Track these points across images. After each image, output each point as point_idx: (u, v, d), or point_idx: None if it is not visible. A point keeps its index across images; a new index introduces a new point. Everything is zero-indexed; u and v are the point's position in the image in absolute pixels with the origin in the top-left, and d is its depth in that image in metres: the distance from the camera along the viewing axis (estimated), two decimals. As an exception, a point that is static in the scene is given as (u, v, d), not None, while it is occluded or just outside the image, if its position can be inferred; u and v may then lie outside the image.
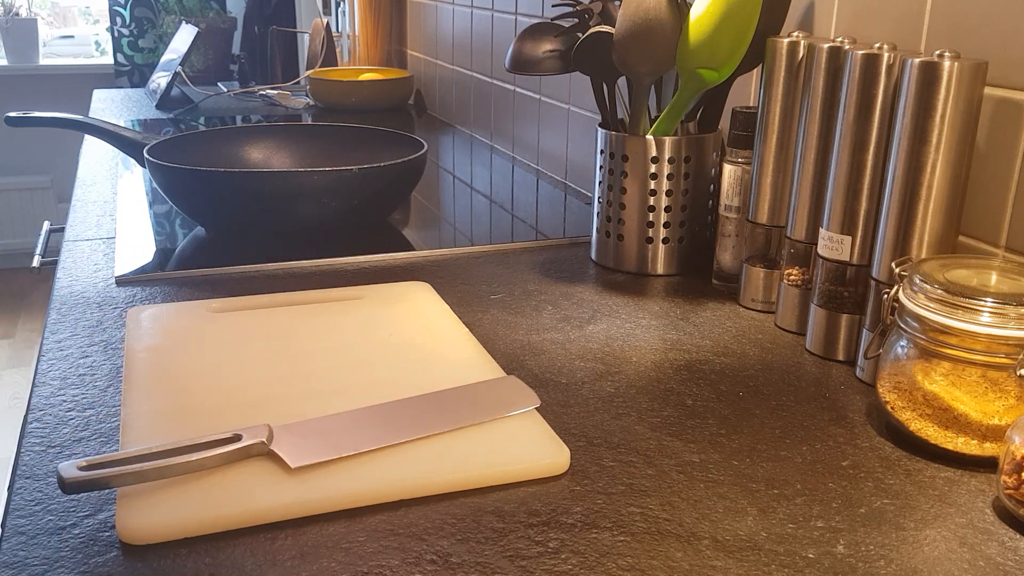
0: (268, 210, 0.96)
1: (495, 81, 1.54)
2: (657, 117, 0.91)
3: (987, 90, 0.68)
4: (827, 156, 0.73)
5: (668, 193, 0.91)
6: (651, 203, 0.91)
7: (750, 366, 0.73)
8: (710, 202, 0.94)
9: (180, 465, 0.52)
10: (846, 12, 0.81)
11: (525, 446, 0.58)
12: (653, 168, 0.90)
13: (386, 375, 0.67)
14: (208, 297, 0.83)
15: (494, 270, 0.94)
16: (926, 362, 0.59)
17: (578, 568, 0.48)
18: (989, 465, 0.58)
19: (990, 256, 0.69)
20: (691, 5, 0.83)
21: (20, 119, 1.10)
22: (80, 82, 3.65)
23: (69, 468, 0.50)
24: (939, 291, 0.58)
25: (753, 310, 0.84)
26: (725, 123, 0.93)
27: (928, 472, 0.58)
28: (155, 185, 1.13)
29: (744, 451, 0.60)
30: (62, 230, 1.06)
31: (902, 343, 0.61)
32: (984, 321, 0.56)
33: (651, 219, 0.91)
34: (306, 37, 2.43)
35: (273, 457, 0.55)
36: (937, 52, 0.63)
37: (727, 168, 0.86)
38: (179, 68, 1.90)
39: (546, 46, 0.94)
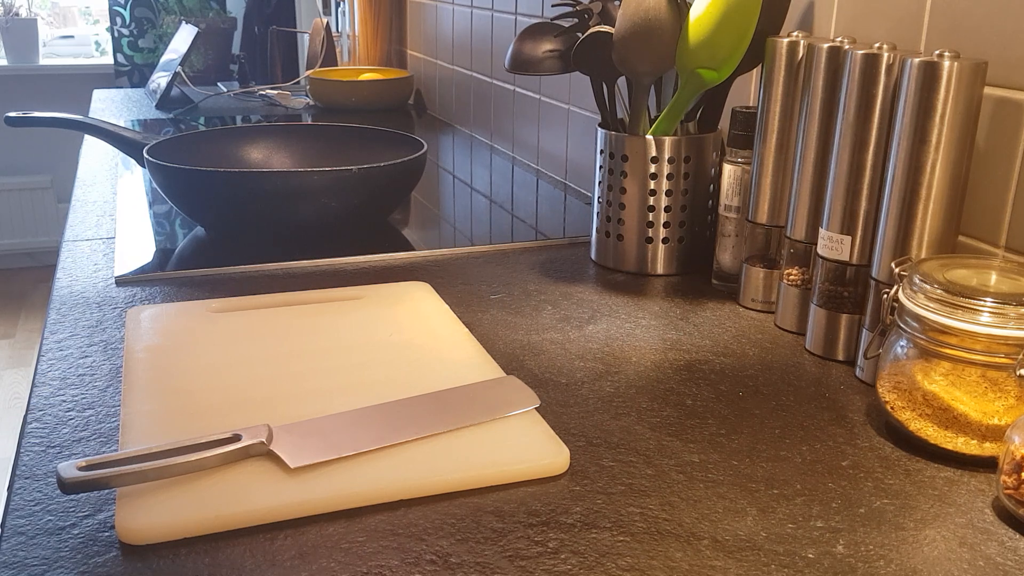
0: (268, 210, 0.96)
1: (495, 81, 1.54)
2: (657, 117, 0.91)
3: (987, 90, 0.68)
4: (827, 156, 0.73)
5: (668, 193, 0.91)
6: (651, 203, 0.91)
7: (750, 366, 0.73)
8: (710, 202, 0.94)
9: (180, 465, 0.52)
10: (846, 12, 0.81)
11: (525, 446, 0.58)
12: (653, 168, 0.90)
13: (386, 375, 0.67)
14: (208, 297, 0.83)
15: (494, 270, 0.94)
16: (926, 362, 0.59)
17: (577, 568, 0.48)
18: (989, 465, 0.58)
19: (990, 256, 0.69)
20: (691, 5, 0.83)
21: (20, 119, 1.10)
22: (80, 82, 3.65)
23: (68, 468, 0.50)
24: (939, 291, 0.58)
25: (753, 310, 0.84)
26: (725, 123, 0.93)
27: (928, 472, 0.58)
28: (155, 185, 1.13)
29: (744, 451, 0.60)
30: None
31: (902, 343, 0.61)
32: (984, 321, 0.56)
33: (651, 219, 0.91)
34: (306, 37, 2.43)
35: (273, 457, 0.55)
36: (937, 52, 0.63)
37: (727, 168, 0.86)
38: (179, 68, 1.90)
39: (546, 46, 0.94)
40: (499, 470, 0.56)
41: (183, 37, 2.02)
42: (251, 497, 0.52)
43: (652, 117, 0.93)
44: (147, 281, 0.88)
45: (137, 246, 0.97)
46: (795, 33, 0.77)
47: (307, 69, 2.11)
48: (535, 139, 1.41)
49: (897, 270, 0.63)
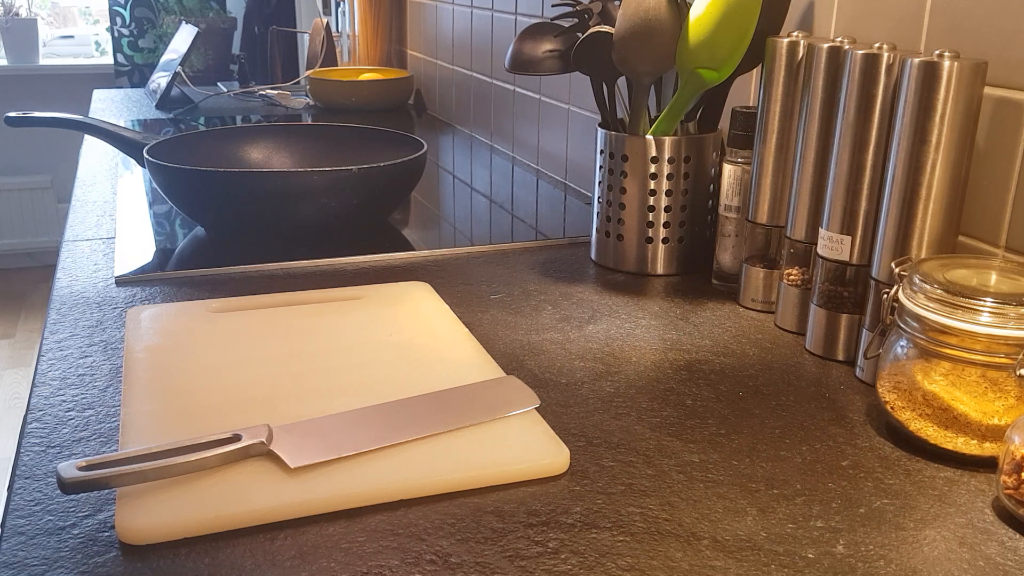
0: (268, 210, 0.96)
1: (495, 81, 1.54)
2: (657, 117, 0.91)
3: (987, 90, 0.68)
4: (827, 156, 0.73)
5: (668, 193, 0.91)
6: (651, 203, 0.91)
7: (750, 366, 0.73)
8: (710, 202, 0.94)
9: (180, 465, 0.52)
10: (846, 12, 0.81)
11: (525, 446, 0.58)
12: (653, 168, 0.90)
13: (386, 375, 0.67)
14: (208, 297, 0.83)
15: (494, 270, 0.94)
16: (926, 362, 0.59)
17: (578, 568, 0.48)
18: (989, 465, 0.58)
19: (990, 256, 0.69)
20: (691, 5, 0.83)
21: (20, 119, 1.10)
22: (80, 82, 3.65)
23: (68, 468, 0.50)
24: (939, 291, 0.58)
25: (753, 310, 0.84)
26: (725, 123, 0.93)
27: (928, 472, 0.58)
28: (155, 185, 1.13)
29: (744, 451, 0.60)
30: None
31: (902, 343, 0.61)
32: (984, 321, 0.56)
33: (651, 219, 0.91)
34: (306, 37, 2.43)
35: (273, 457, 0.55)
36: (937, 52, 0.63)
37: (727, 168, 0.86)
38: (179, 68, 1.90)
39: (546, 46, 0.94)
40: (499, 470, 0.56)
41: (183, 37, 2.02)
42: (251, 497, 0.52)
43: (652, 117, 0.93)
44: (147, 281, 0.88)
45: (137, 246, 0.97)
46: (795, 33, 0.77)
47: (307, 69, 2.11)
48: (535, 139, 1.41)
49: (897, 270, 0.63)
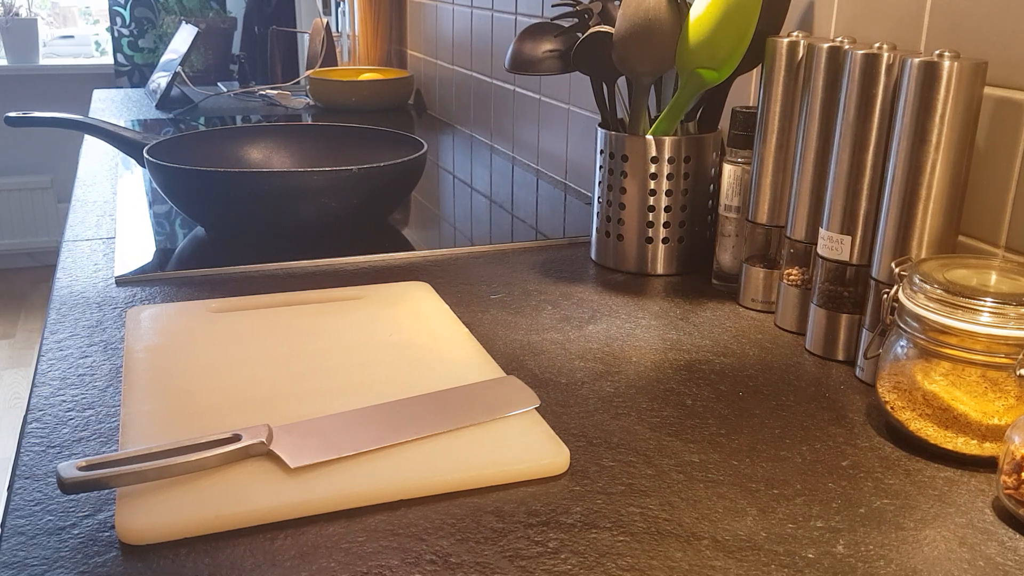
0: (268, 210, 0.96)
1: (495, 81, 1.54)
2: (657, 117, 0.91)
3: (987, 90, 0.68)
4: (827, 156, 0.73)
5: (668, 193, 0.91)
6: (651, 203, 0.91)
7: (750, 366, 0.73)
8: (710, 202, 0.94)
9: (180, 465, 0.52)
10: (846, 12, 0.81)
11: (525, 446, 0.58)
12: (653, 168, 0.90)
13: (386, 375, 0.67)
14: (208, 297, 0.83)
15: (494, 270, 0.94)
16: (926, 362, 0.59)
17: (577, 568, 0.48)
18: (989, 465, 0.58)
19: (990, 256, 0.69)
20: (691, 5, 0.83)
21: (20, 119, 1.10)
22: (80, 82, 3.65)
23: (68, 468, 0.50)
24: (939, 291, 0.58)
25: (753, 310, 0.84)
26: (725, 123, 0.93)
27: (928, 472, 0.58)
28: (155, 185, 1.13)
29: (744, 451, 0.60)
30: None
31: (902, 343, 0.61)
32: (984, 321, 0.56)
33: (651, 219, 0.91)
34: (306, 37, 2.43)
35: (273, 457, 0.55)
36: (937, 52, 0.63)
37: (727, 168, 0.86)
38: (179, 68, 1.90)
39: (546, 46, 0.94)
40: (499, 470, 0.56)
41: (183, 37, 2.02)
42: (251, 497, 0.52)
43: (652, 117, 0.93)
44: (147, 281, 0.88)
45: (137, 246, 0.97)
46: (795, 33, 0.77)
47: (307, 69, 2.11)
48: (535, 139, 1.41)
49: (897, 270, 0.63)
